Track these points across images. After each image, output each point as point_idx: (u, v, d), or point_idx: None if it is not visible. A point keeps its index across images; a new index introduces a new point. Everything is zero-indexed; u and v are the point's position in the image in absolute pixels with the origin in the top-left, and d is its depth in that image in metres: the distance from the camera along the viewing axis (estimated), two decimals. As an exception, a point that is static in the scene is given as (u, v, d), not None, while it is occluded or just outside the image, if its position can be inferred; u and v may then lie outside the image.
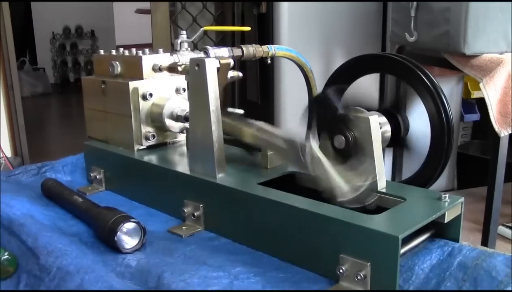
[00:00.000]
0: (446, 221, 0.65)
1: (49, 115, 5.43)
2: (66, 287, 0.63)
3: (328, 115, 0.75)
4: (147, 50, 0.95)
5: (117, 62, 0.96)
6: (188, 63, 0.80)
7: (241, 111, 0.87)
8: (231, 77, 0.88)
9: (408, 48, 1.97)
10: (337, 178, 0.67)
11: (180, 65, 0.88)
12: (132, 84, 0.91)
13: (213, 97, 0.77)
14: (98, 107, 1.00)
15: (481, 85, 1.60)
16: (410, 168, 0.82)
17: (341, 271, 0.61)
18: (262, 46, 0.92)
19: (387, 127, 0.78)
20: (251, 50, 0.90)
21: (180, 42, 0.96)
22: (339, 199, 0.65)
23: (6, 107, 2.79)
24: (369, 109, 0.76)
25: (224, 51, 0.86)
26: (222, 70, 0.81)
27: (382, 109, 0.80)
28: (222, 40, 3.00)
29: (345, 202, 0.65)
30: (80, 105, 1.10)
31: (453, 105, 2.51)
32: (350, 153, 0.73)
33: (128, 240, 0.72)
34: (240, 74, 0.89)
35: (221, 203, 0.77)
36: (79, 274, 0.64)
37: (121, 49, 0.98)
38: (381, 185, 0.71)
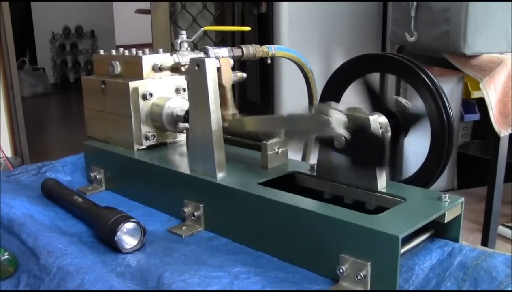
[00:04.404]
0: (446, 221, 0.65)
1: (49, 115, 5.43)
2: (66, 287, 0.63)
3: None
4: (147, 50, 0.95)
5: (117, 62, 0.96)
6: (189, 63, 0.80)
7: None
8: (236, 76, 0.88)
9: (408, 48, 1.97)
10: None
11: (183, 66, 0.87)
12: (132, 84, 0.91)
13: (213, 97, 0.77)
14: (98, 107, 1.00)
15: (481, 85, 1.60)
16: (410, 168, 0.82)
17: (341, 271, 0.61)
18: (262, 46, 0.92)
19: (387, 128, 0.78)
20: (251, 50, 0.90)
21: (180, 42, 0.96)
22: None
23: (6, 107, 2.79)
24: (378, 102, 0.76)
25: (224, 51, 0.86)
26: (224, 66, 0.81)
27: (382, 109, 0.79)
28: (222, 40, 3.00)
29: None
30: (80, 105, 1.10)
31: (453, 105, 2.50)
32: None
33: (128, 240, 0.72)
34: (244, 75, 0.89)
35: (221, 203, 0.77)
36: (79, 274, 0.64)
37: (121, 49, 0.98)
38: (381, 185, 0.71)
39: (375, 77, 0.82)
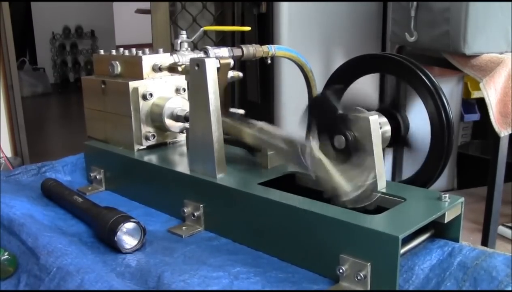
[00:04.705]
0: (446, 221, 0.65)
1: (49, 115, 5.43)
2: (66, 287, 0.63)
3: (328, 115, 0.75)
4: (147, 50, 0.95)
5: (117, 62, 0.96)
6: (188, 63, 0.80)
7: (242, 111, 0.87)
8: (231, 77, 0.88)
9: (408, 48, 1.97)
10: (338, 178, 0.67)
11: (180, 65, 0.88)
12: (132, 84, 0.91)
13: (213, 97, 0.77)
14: (98, 107, 1.00)
15: (481, 85, 1.60)
16: (410, 168, 0.82)
17: (341, 271, 0.61)
18: (262, 46, 0.92)
19: (387, 127, 0.78)
20: (251, 50, 0.90)
21: (180, 42, 0.96)
22: (341, 199, 0.65)
23: (6, 107, 2.79)
24: (368, 109, 0.76)
25: (224, 51, 0.86)
26: (222, 70, 0.82)
27: (382, 109, 0.80)
28: (222, 40, 3.00)
29: (347, 202, 0.65)
30: (80, 105, 1.10)
31: (453, 105, 2.51)
32: (351, 153, 0.73)
33: (128, 240, 0.72)
34: (240, 74, 0.89)
35: (221, 203, 0.77)
36: (79, 274, 0.64)
37: (121, 49, 0.98)
38: (381, 185, 0.71)
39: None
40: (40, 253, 0.70)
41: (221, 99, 0.79)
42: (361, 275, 0.59)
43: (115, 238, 0.71)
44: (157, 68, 0.93)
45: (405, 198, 0.68)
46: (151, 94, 0.92)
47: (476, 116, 2.72)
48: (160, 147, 0.96)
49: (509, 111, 1.58)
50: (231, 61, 0.85)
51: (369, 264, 0.59)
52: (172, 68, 0.90)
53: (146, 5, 3.24)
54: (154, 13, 2.94)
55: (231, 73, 0.87)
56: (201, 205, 0.79)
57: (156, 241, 0.75)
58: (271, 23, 2.37)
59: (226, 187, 0.75)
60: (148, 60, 0.93)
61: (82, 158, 1.07)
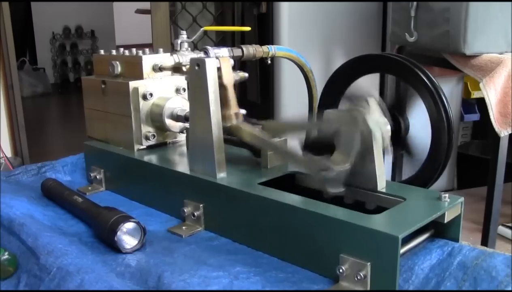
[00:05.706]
0: (446, 221, 0.65)
1: (49, 115, 5.43)
2: (66, 287, 0.63)
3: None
4: (147, 50, 0.95)
5: (117, 62, 0.96)
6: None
7: (243, 111, 0.87)
8: (238, 76, 0.88)
9: (408, 48, 1.97)
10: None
11: (184, 66, 0.88)
12: (132, 84, 0.91)
13: (213, 97, 0.77)
14: (98, 107, 1.00)
15: (481, 85, 1.60)
16: (410, 168, 0.82)
17: (341, 271, 0.61)
18: (262, 46, 0.92)
19: (387, 127, 0.78)
20: (251, 50, 0.90)
21: (180, 42, 0.96)
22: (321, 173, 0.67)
23: (6, 107, 2.79)
24: None
25: (224, 51, 0.86)
26: (225, 66, 0.81)
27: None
28: (222, 40, 3.00)
29: (316, 180, 0.67)
30: (80, 105, 1.10)
31: (453, 105, 2.51)
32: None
33: (128, 240, 0.72)
34: (246, 74, 0.89)
35: (221, 203, 0.77)
36: (79, 274, 0.64)
37: (121, 49, 0.98)
38: (381, 185, 0.71)
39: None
40: (40, 253, 0.70)
41: (222, 98, 0.79)
42: (361, 275, 0.59)
43: (115, 238, 0.71)
44: (157, 68, 0.93)
45: (405, 198, 0.68)
46: (151, 94, 0.92)
47: (476, 116, 2.72)
48: (160, 146, 0.96)
49: (509, 111, 1.58)
50: (231, 61, 0.85)
51: (369, 264, 0.59)
52: (177, 68, 0.90)
53: (146, 5, 3.24)
54: (154, 13, 2.94)
55: (237, 74, 0.87)
56: (201, 205, 0.79)
57: (156, 241, 0.75)
58: (271, 23, 2.38)
59: (226, 186, 0.75)
60: (148, 60, 0.93)
61: (82, 158, 1.07)
